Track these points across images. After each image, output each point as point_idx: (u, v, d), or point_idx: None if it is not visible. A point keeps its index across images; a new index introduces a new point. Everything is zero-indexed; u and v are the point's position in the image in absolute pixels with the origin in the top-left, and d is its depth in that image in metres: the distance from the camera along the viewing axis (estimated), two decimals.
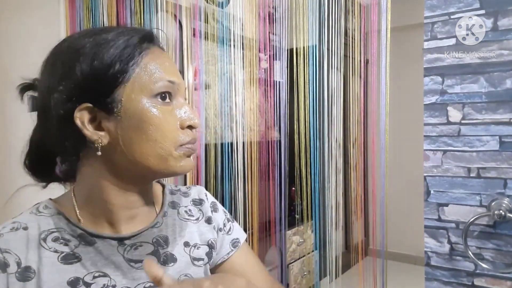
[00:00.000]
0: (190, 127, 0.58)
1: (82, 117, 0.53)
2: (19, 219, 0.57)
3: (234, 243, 0.71)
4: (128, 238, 0.59)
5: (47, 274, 0.53)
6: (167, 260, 0.61)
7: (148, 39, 0.57)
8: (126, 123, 0.53)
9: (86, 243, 0.56)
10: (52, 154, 0.61)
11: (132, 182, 0.58)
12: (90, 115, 0.53)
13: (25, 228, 0.55)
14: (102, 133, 0.54)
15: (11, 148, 1.57)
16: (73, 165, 0.59)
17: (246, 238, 0.74)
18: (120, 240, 0.58)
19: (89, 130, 0.53)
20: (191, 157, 0.58)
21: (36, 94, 0.59)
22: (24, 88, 0.60)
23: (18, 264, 0.52)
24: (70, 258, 0.55)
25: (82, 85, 0.52)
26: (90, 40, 0.54)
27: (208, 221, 0.69)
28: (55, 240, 0.55)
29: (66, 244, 0.55)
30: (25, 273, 0.52)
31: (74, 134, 0.54)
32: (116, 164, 0.56)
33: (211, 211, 0.70)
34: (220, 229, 0.70)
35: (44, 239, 0.55)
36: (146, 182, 0.61)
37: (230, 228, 0.72)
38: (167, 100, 0.56)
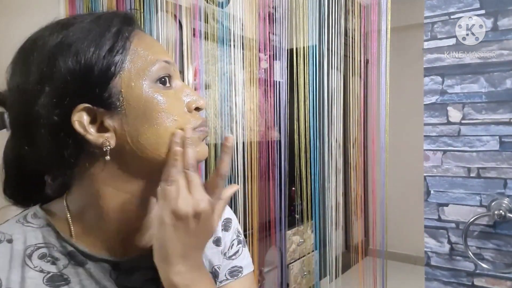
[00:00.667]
0: (198, 109, 0.52)
1: (81, 120, 0.46)
2: (3, 228, 0.50)
3: (233, 272, 0.60)
4: (124, 262, 0.52)
5: None
6: None
7: (128, 22, 0.51)
8: (131, 116, 0.47)
9: (76, 263, 0.49)
10: (38, 173, 0.53)
11: (141, 183, 0.50)
12: (89, 116, 0.46)
13: (9, 241, 0.49)
14: (107, 134, 0.47)
15: None
16: (69, 177, 0.51)
17: (253, 271, 0.63)
18: (115, 263, 0.51)
19: (92, 134, 0.46)
20: (204, 141, 0.53)
21: (1, 109, 0.51)
22: None
23: None
24: (57, 280, 0.48)
25: (72, 84, 0.45)
26: (67, 32, 0.47)
27: (217, 242, 0.61)
28: (42, 257, 0.49)
29: (53, 263, 0.49)
30: None
31: (72, 141, 0.47)
32: (125, 166, 0.49)
33: (221, 230, 0.61)
34: (225, 254, 0.61)
35: (30, 256, 0.48)
36: (159, 178, 0.51)
37: (236, 252, 0.62)
38: (168, 84, 0.50)
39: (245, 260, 0.62)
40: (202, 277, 0.49)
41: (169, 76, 0.51)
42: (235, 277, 0.60)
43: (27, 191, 0.54)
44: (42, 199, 0.55)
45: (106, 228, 0.51)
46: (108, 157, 0.47)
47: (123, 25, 0.49)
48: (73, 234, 0.51)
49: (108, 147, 0.47)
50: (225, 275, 0.60)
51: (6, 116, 0.51)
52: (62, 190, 0.54)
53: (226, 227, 0.62)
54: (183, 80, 1.91)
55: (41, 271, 0.48)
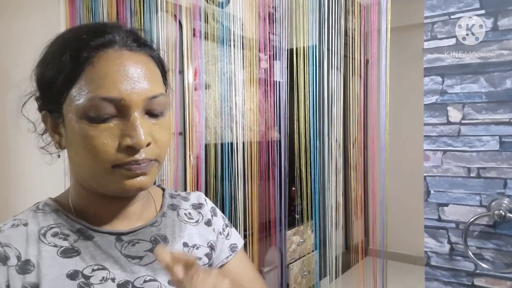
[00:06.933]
0: (131, 147, 0.52)
1: (45, 118, 0.57)
2: (19, 216, 0.59)
3: (233, 248, 0.71)
4: (126, 234, 0.60)
5: (46, 267, 0.54)
6: None
7: (105, 43, 0.53)
8: (69, 135, 0.55)
9: (85, 238, 0.57)
10: None
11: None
12: (51, 118, 0.56)
13: (25, 224, 0.57)
14: (58, 137, 0.57)
15: (10, 145, 1.57)
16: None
17: (243, 245, 0.74)
18: (118, 236, 0.59)
19: (50, 132, 0.58)
20: (141, 177, 0.54)
21: None
22: None
23: (18, 257, 0.54)
24: (69, 252, 0.56)
25: (38, 91, 0.57)
26: (50, 46, 0.57)
27: (208, 223, 0.70)
28: (55, 235, 0.56)
29: (65, 239, 0.56)
30: (25, 266, 0.53)
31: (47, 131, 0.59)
32: (75, 166, 0.58)
33: (211, 215, 0.71)
34: (220, 233, 0.71)
35: (44, 234, 0.56)
36: (103, 196, 0.58)
37: (228, 233, 0.72)
38: (95, 121, 0.52)
39: (236, 237, 0.74)
40: None
41: (100, 115, 0.52)
42: (235, 252, 0.71)
43: None
44: None
45: (100, 213, 0.59)
46: (59, 155, 0.59)
47: (90, 49, 0.53)
48: (75, 215, 0.59)
49: (58, 147, 0.58)
50: (229, 251, 0.71)
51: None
52: None
53: (214, 213, 0.72)
54: (183, 82, 1.91)
55: (55, 245, 0.56)
